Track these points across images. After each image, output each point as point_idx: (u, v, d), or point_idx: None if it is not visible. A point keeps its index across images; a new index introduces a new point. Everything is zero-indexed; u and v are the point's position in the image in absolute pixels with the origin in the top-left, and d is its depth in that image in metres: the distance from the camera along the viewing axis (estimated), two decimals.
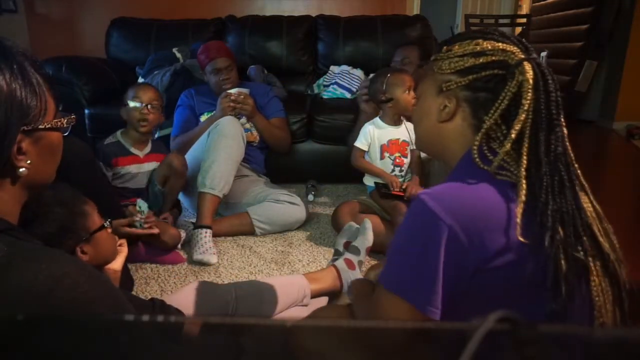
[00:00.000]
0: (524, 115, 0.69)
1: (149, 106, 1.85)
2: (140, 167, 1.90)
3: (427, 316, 0.66)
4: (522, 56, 0.71)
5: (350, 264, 1.52)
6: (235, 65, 2.27)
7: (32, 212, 1.01)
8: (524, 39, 0.76)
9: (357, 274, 1.51)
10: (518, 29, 4.17)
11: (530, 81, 0.69)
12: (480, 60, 0.73)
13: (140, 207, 1.58)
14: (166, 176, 1.89)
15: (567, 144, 0.71)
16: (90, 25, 3.63)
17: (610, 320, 0.69)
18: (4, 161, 0.62)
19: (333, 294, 1.49)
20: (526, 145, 0.69)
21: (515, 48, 0.73)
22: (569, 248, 0.65)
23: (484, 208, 0.67)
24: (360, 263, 1.55)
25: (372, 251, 1.72)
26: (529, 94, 0.69)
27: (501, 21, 4.07)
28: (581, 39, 4.12)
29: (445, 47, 0.79)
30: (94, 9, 3.63)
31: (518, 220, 0.65)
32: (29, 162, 0.65)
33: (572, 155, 0.72)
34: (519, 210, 0.66)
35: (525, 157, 0.68)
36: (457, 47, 0.77)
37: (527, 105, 0.68)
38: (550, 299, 0.64)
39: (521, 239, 0.64)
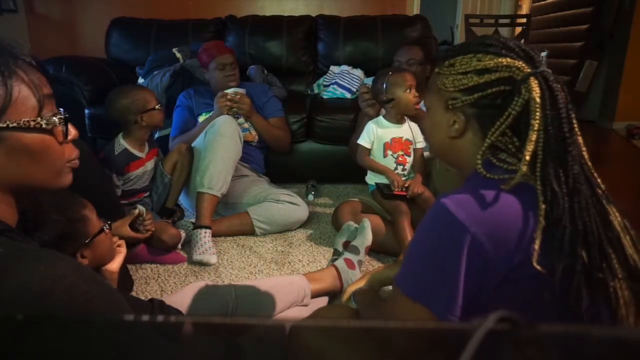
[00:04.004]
0: (534, 136, 0.66)
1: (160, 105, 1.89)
2: (145, 167, 1.93)
3: None
4: (528, 70, 0.69)
5: (350, 264, 1.52)
6: (237, 65, 2.28)
7: (31, 220, 0.99)
8: (529, 48, 0.72)
9: (357, 274, 1.50)
10: (518, 29, 4.16)
11: (537, 99, 0.66)
12: (484, 78, 0.71)
13: (140, 211, 1.57)
14: (175, 163, 1.97)
15: (585, 159, 0.70)
16: (90, 25, 3.63)
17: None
18: None
19: (333, 294, 1.49)
20: (539, 170, 0.67)
21: (519, 62, 0.70)
22: (594, 271, 0.63)
23: (508, 216, 0.65)
24: (360, 262, 1.55)
25: (372, 251, 1.72)
26: (537, 114, 0.66)
27: (501, 21, 4.06)
28: (581, 39, 4.11)
29: (447, 62, 0.77)
30: (94, 9, 3.63)
31: (536, 247, 0.63)
32: None
33: (591, 167, 0.70)
34: (538, 234, 0.63)
35: (539, 183, 0.66)
36: (458, 62, 0.74)
37: (536, 125, 0.66)
38: (572, 316, 0.63)
39: (537, 266, 0.62)
